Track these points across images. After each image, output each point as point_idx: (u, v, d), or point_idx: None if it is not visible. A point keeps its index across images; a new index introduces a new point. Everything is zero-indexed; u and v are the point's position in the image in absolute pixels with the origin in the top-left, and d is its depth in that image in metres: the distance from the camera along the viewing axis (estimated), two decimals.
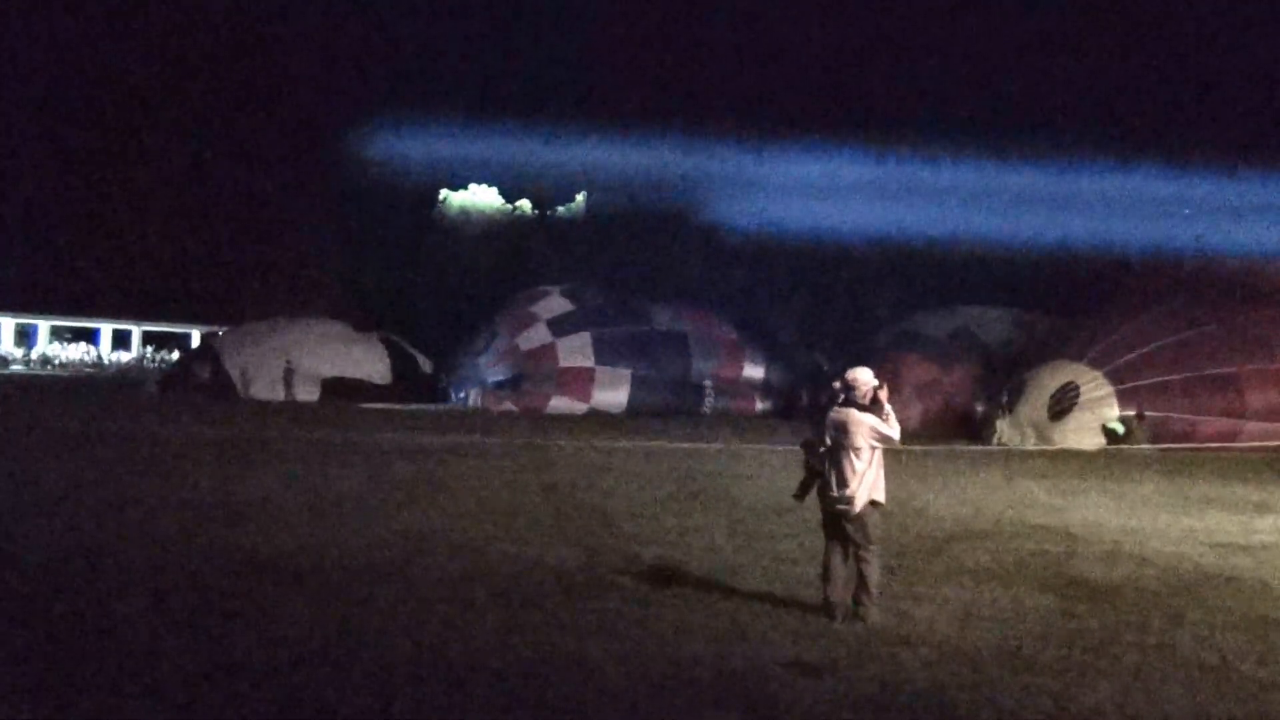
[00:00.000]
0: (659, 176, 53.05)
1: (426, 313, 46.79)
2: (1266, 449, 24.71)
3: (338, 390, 33.99)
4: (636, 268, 46.26)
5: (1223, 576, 9.87)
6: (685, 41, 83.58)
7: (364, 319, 40.13)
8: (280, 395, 33.55)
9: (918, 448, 21.60)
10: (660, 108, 66.59)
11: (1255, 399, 26.23)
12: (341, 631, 7.06)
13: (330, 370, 34.68)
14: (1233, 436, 25.88)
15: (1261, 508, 15.06)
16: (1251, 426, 25.98)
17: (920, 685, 6.37)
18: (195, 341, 55.02)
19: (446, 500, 13.27)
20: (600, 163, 55.71)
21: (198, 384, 34.49)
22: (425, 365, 37.48)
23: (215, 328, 41.69)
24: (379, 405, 32.78)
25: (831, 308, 45.48)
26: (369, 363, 35.63)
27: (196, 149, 57.84)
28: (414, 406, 32.97)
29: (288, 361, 34.03)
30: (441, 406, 33.78)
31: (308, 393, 33.75)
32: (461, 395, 34.24)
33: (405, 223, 57.44)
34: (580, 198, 60.91)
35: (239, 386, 33.78)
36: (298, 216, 55.92)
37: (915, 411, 28.70)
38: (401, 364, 36.45)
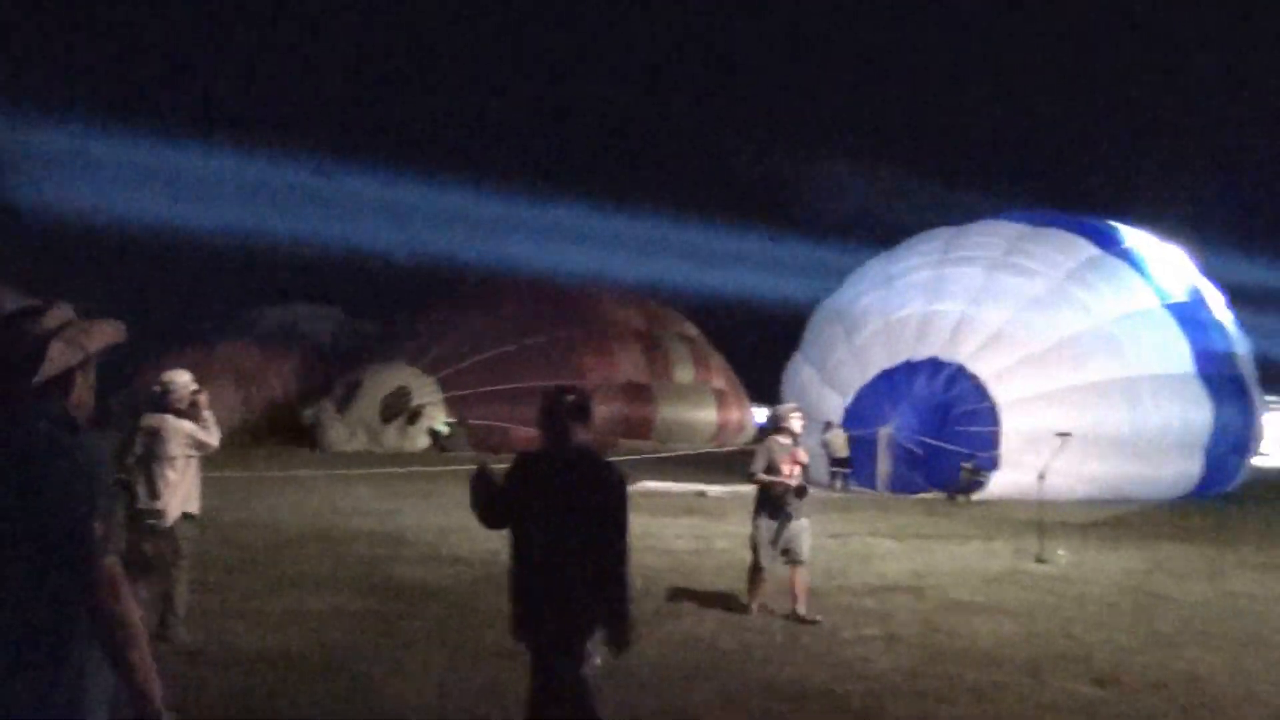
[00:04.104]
0: None
1: None
2: None
3: None
4: None
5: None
6: None
7: None
8: None
9: (245, 474, 21.04)
10: None
11: None
12: None
13: None
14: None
15: None
16: None
17: (222, 694, 6.16)
18: None
19: None
20: None
21: None
22: None
23: None
24: None
25: (159, 302, 42.89)
26: None
27: None
28: None
29: None
30: None
31: None
32: None
33: None
34: None
35: None
36: None
37: (237, 400, 28.02)
38: None
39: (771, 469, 8.82)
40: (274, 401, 29.85)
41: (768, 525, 8.82)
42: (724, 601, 9.41)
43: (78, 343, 2.66)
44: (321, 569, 10.29)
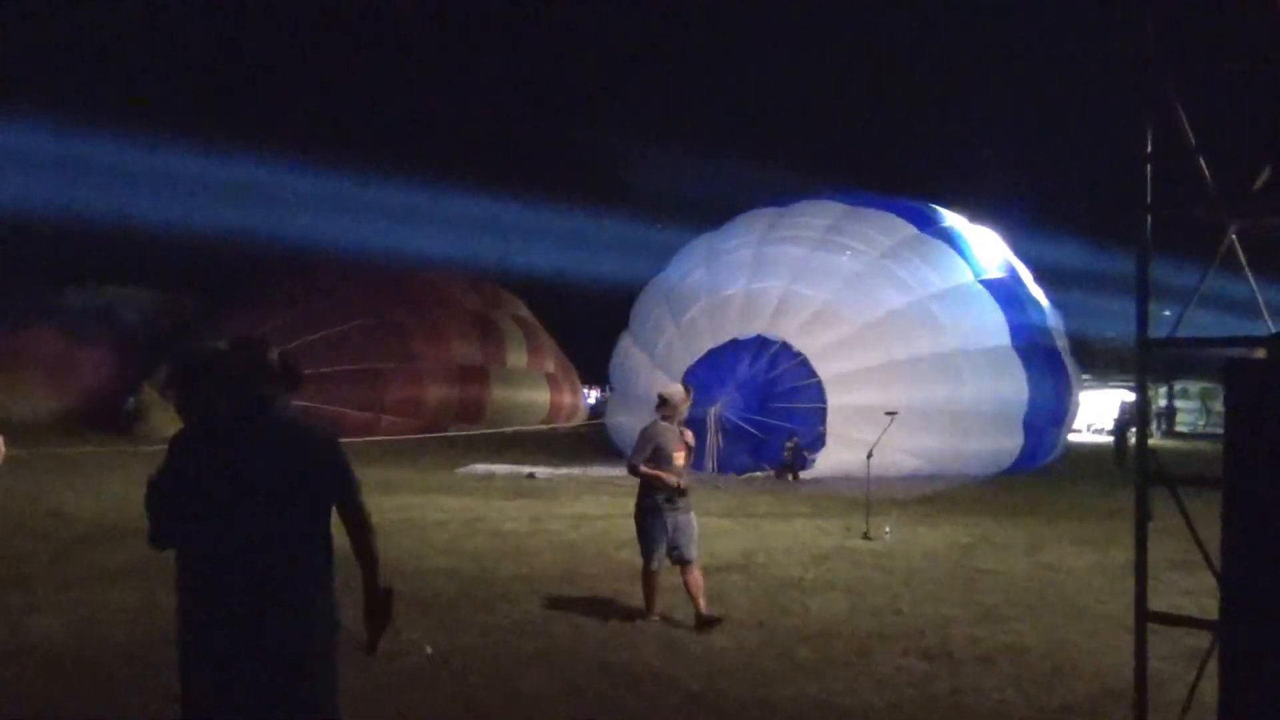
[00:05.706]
0: None
1: None
2: (400, 439, 26.95)
3: None
4: None
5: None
6: None
7: None
8: None
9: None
10: None
11: (393, 394, 28.47)
12: None
13: None
14: (373, 427, 27.75)
15: (387, 488, 16.17)
16: (387, 420, 28.16)
17: (33, 695, 5.80)
18: None
19: None
20: None
21: None
22: None
23: None
24: None
25: None
26: None
27: None
28: None
29: None
30: None
31: None
32: None
33: None
34: None
35: None
36: None
37: (48, 391, 26.57)
38: None
39: (660, 454, 8.11)
40: (91, 392, 28.24)
41: (658, 524, 8.03)
42: (557, 584, 9.30)
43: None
44: (134, 561, 9.71)
